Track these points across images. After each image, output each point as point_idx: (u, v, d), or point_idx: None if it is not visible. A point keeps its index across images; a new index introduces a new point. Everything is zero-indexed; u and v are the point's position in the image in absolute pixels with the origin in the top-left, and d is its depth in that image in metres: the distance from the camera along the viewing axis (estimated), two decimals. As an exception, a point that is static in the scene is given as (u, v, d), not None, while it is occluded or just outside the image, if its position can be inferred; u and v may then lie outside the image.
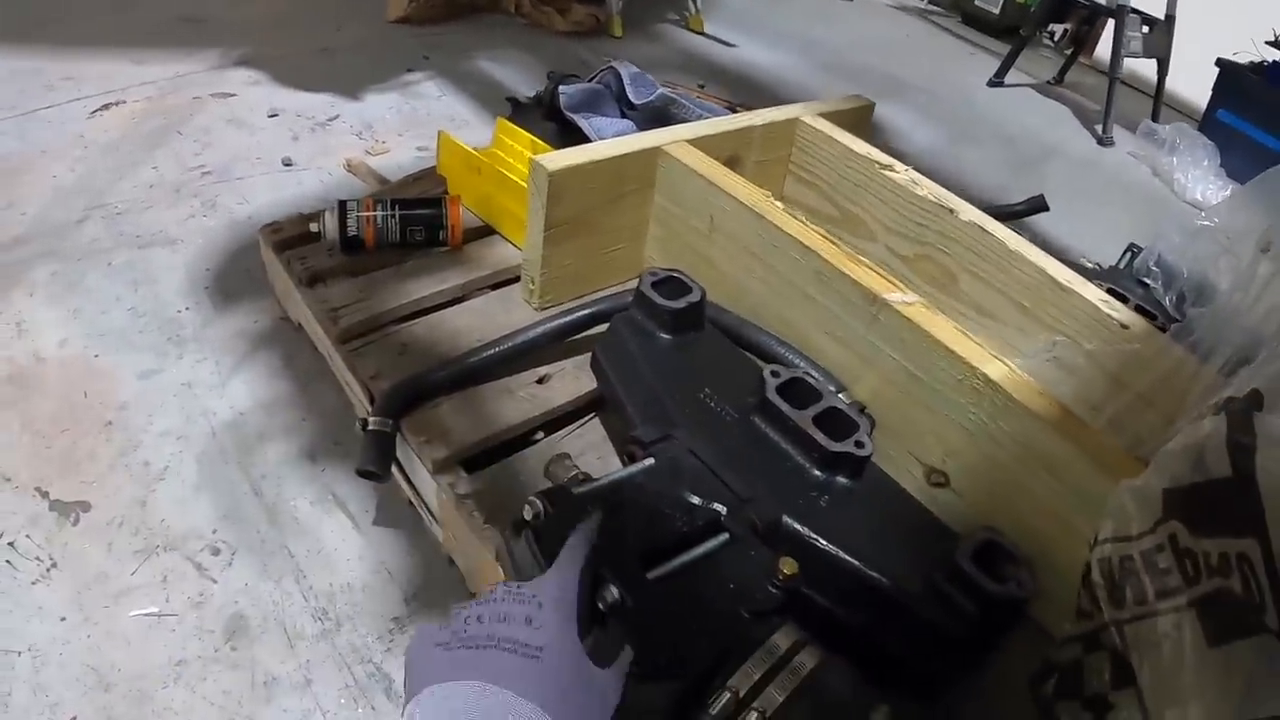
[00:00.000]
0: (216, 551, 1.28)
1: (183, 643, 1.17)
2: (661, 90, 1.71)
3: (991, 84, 3.74)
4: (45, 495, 1.33)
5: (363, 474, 1.21)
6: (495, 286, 1.53)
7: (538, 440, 1.28)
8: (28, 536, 1.27)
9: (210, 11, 3.08)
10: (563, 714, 0.62)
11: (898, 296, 1.15)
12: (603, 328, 1.28)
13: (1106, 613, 0.82)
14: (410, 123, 2.49)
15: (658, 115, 1.69)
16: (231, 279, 1.80)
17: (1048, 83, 3.94)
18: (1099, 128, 3.42)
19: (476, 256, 1.57)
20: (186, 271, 1.81)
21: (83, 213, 1.95)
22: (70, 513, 1.31)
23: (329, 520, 1.35)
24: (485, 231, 1.63)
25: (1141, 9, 3.45)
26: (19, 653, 1.14)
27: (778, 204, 1.29)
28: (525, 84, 2.75)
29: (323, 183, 2.16)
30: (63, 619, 1.18)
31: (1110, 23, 3.46)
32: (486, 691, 0.61)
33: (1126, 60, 3.38)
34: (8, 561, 1.24)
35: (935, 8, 4.87)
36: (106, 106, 2.41)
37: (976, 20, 4.60)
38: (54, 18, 2.93)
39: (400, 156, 2.29)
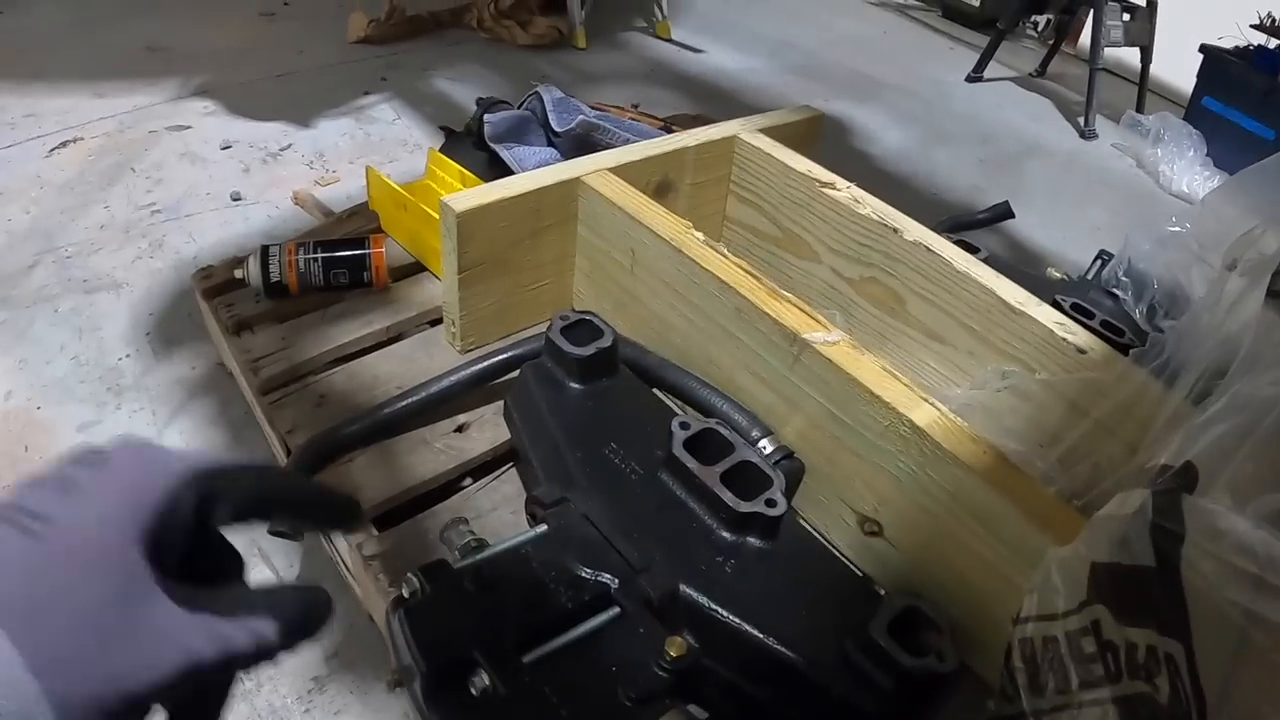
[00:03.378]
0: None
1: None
2: (582, 115, 1.64)
3: (970, 79, 3.68)
4: None
5: (275, 534, 1.16)
6: (430, 324, 1.48)
7: (456, 493, 1.22)
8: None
9: (175, 39, 3.06)
10: (37, 622, 0.38)
11: (820, 335, 1.08)
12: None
13: (1026, 700, 0.76)
14: (363, 149, 2.45)
15: (581, 142, 1.63)
16: (173, 324, 1.77)
17: (1029, 75, 3.89)
18: (1082, 120, 3.37)
19: (404, 297, 1.51)
20: (130, 316, 1.78)
21: (33, 258, 1.92)
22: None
23: (253, 575, 1.29)
24: (417, 268, 1.57)
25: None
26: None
27: (698, 236, 1.22)
28: (483, 103, 2.71)
29: (270, 217, 2.12)
30: None
31: (1091, 11, 3.41)
32: None
33: (1108, 49, 3.33)
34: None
35: (914, 2, 4.81)
36: (64, 144, 2.38)
37: (956, 13, 4.54)
38: (21, 51, 2.91)
39: (350, 186, 2.25)
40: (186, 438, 1.52)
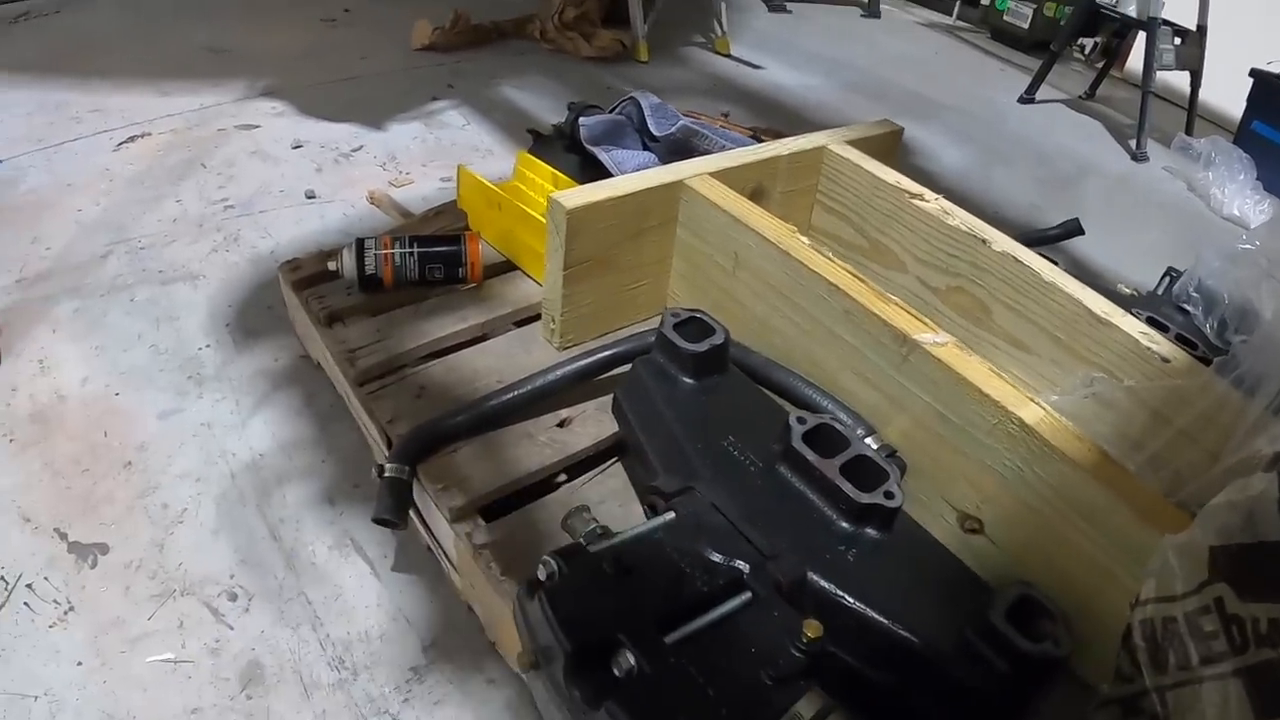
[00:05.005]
0: (234, 597, 1.26)
1: (198, 690, 1.14)
2: (683, 121, 1.68)
3: (1023, 100, 3.70)
4: (64, 537, 1.32)
5: (379, 522, 1.19)
6: (517, 324, 1.50)
7: (559, 486, 1.25)
8: (46, 579, 1.26)
9: (236, 42, 3.10)
10: None
11: (928, 337, 1.11)
12: (625, 367, 1.25)
13: (1148, 677, 0.78)
14: (434, 153, 2.48)
15: (679, 147, 1.66)
16: (253, 316, 1.79)
17: (1079, 98, 3.90)
18: (1133, 143, 3.38)
19: (497, 294, 1.54)
20: (208, 308, 1.80)
21: (106, 248, 1.94)
22: (88, 555, 1.30)
23: (347, 566, 1.32)
24: (506, 267, 1.60)
25: (1173, 20, 3.41)
26: (35, 697, 1.12)
27: (804, 240, 1.25)
28: (550, 111, 2.74)
29: (346, 216, 2.14)
30: (79, 664, 1.16)
31: (1141, 35, 3.42)
32: None
33: (1159, 73, 3.34)
34: (25, 604, 1.23)
35: (964, 24, 4.84)
36: (132, 139, 2.41)
37: (1006, 35, 4.57)
38: (82, 49, 2.94)
39: (424, 188, 2.28)
40: (272, 428, 1.54)
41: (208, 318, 1.78)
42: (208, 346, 1.71)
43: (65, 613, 1.22)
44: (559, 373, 1.25)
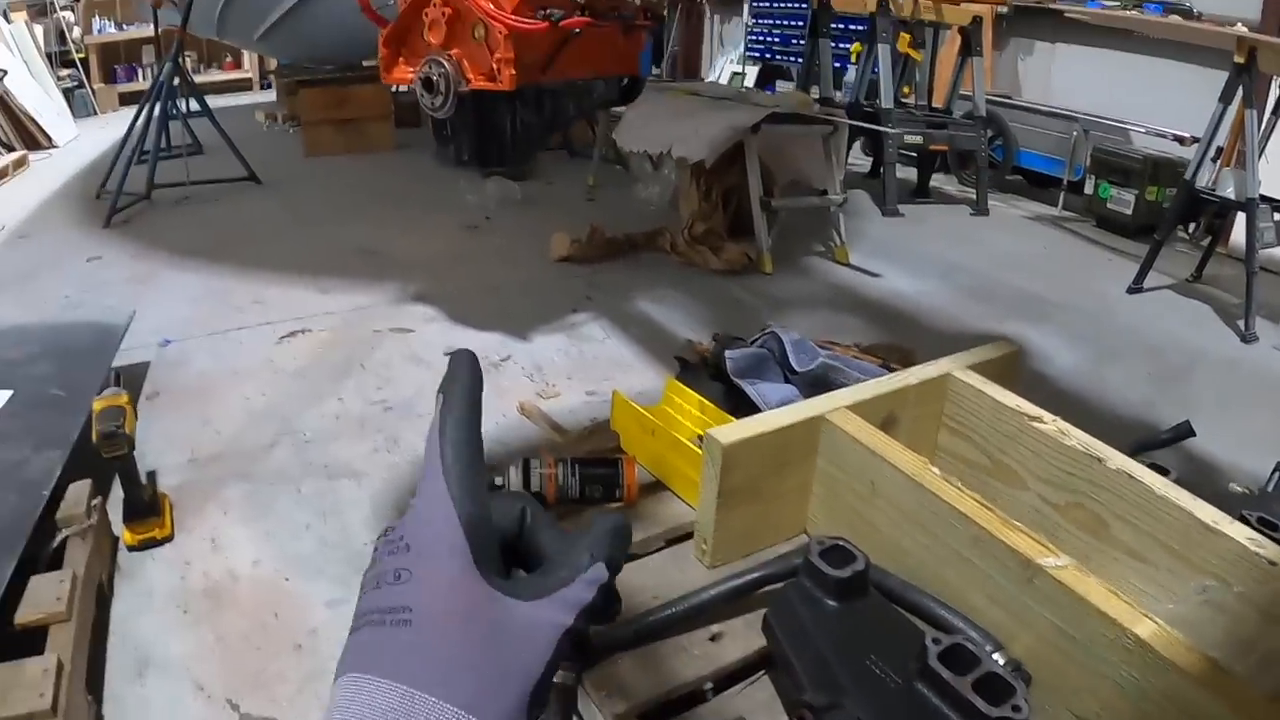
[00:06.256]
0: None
1: None
2: (822, 359, 1.83)
3: (1131, 291, 3.78)
4: (236, 709, 1.44)
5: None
6: (668, 542, 1.65)
7: (709, 697, 1.38)
8: (219, 747, 1.37)
9: (384, 244, 3.36)
10: (451, 681, 0.48)
11: (1051, 561, 1.24)
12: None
13: None
14: (578, 366, 2.67)
15: (819, 381, 1.81)
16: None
17: (1186, 280, 3.97)
18: (1241, 324, 3.43)
19: (650, 513, 1.69)
20: (372, 506, 1.96)
21: (273, 438, 2.12)
22: (259, 729, 1.41)
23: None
24: (657, 486, 1.76)
25: (1272, 195, 3.47)
26: None
27: (935, 471, 1.39)
28: (682, 325, 2.93)
29: (498, 424, 2.32)
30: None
31: (1242, 214, 3.50)
32: (357, 685, 0.47)
33: (1262, 250, 3.40)
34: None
35: (1069, 213, 4.98)
36: (293, 334, 2.64)
37: (1110, 222, 4.70)
38: (241, 239, 3.23)
39: (570, 400, 2.45)
40: (445, 631, 1.67)
41: (371, 514, 1.94)
42: (371, 544, 1.86)
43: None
44: (713, 592, 1.39)
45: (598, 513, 0.66)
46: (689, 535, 1.61)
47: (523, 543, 0.58)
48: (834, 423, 1.49)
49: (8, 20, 8.64)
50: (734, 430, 1.45)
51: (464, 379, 0.56)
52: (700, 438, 1.64)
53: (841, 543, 1.32)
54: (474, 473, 0.54)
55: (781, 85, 8.55)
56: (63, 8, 10.18)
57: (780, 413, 1.51)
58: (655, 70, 9.69)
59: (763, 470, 1.49)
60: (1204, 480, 1.63)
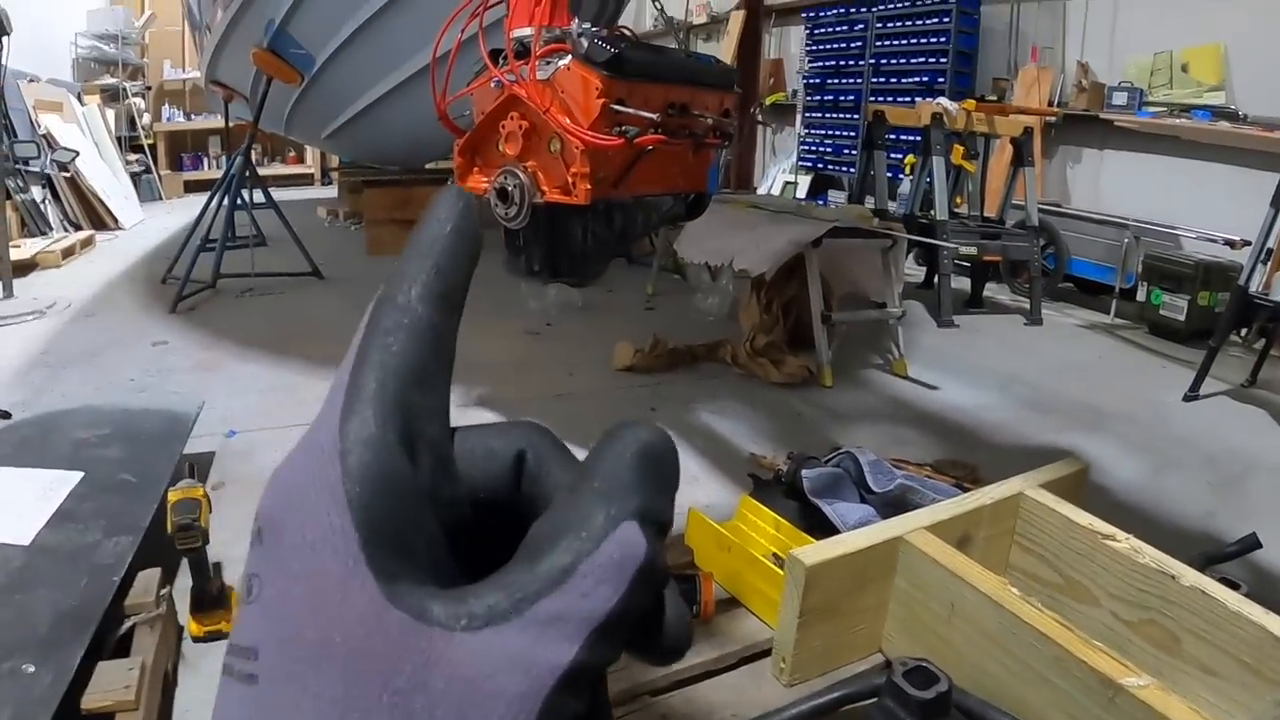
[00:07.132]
0: None
1: None
2: (899, 479, 1.87)
3: (1187, 399, 3.78)
4: None
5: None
6: (743, 660, 1.66)
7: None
8: None
9: (448, 347, 3.40)
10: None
11: (1132, 680, 1.24)
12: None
13: None
14: (647, 478, 2.68)
15: (895, 501, 1.85)
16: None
17: (1241, 385, 3.95)
18: (1300, 429, 3.42)
19: (726, 630, 1.71)
20: None
21: None
22: None
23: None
24: (731, 603, 1.78)
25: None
26: None
27: (1014, 591, 1.41)
28: (746, 438, 2.94)
29: (570, 539, 2.34)
30: None
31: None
32: None
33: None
34: None
35: (1121, 320, 5.00)
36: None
37: (1163, 329, 4.71)
38: (305, 333, 3.28)
39: (638, 512, 2.47)
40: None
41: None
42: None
43: None
44: (795, 711, 1.41)
45: (615, 423, 0.31)
46: (765, 653, 1.63)
47: (524, 501, 0.33)
48: (913, 544, 1.52)
49: (82, 103, 8.94)
50: (816, 551, 1.47)
51: (438, 232, 0.32)
52: (778, 556, 1.67)
53: (924, 663, 1.34)
54: (409, 388, 0.30)
55: (834, 195, 8.68)
56: (134, 94, 10.57)
57: (860, 534, 1.54)
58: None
59: (842, 590, 1.51)
60: (1272, 592, 1.62)
